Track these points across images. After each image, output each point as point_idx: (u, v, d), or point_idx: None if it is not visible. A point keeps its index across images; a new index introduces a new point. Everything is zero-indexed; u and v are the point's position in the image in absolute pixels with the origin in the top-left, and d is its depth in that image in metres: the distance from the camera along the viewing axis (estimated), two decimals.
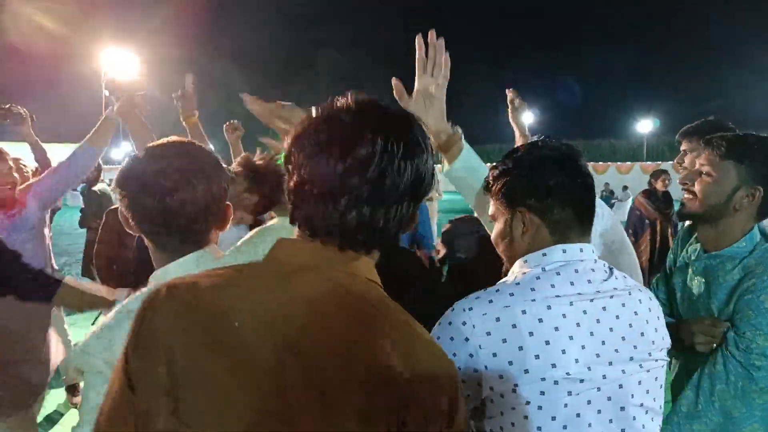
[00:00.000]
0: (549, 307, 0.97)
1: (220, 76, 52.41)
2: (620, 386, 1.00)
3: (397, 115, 0.77)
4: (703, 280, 1.47)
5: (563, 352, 0.95)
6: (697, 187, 1.44)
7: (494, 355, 0.94)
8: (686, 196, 1.48)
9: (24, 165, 4.24)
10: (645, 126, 36.70)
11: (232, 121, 2.61)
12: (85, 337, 1.00)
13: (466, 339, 0.95)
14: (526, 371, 0.94)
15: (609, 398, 0.99)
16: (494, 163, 1.13)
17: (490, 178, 1.13)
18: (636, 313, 1.04)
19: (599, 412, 0.98)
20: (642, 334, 1.04)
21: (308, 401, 0.64)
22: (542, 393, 0.94)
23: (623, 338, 1.01)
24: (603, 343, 0.98)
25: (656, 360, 1.05)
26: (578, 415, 0.96)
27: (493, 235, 1.15)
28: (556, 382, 0.94)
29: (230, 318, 0.68)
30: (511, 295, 0.98)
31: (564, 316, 0.97)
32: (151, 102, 1.96)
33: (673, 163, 2.26)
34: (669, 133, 37.50)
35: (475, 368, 0.95)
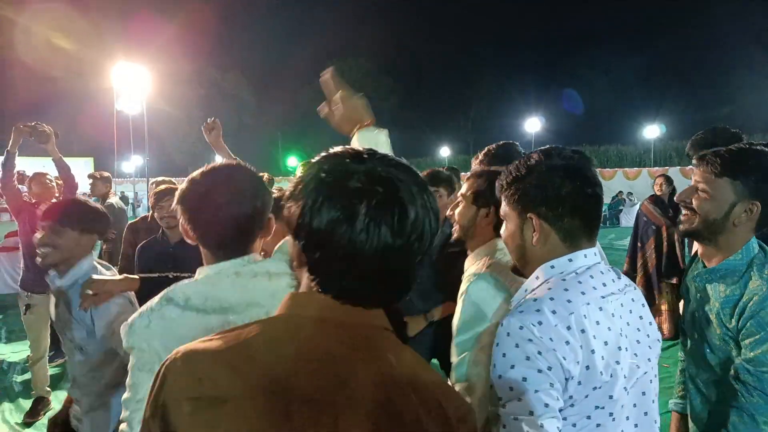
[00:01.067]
0: (601, 309, 1.04)
1: (230, 88, 52.92)
2: (650, 380, 1.13)
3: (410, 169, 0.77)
4: (704, 295, 1.48)
5: (619, 348, 1.04)
6: (695, 204, 1.44)
7: (577, 363, 0.99)
8: (685, 213, 1.49)
9: (50, 179, 4.34)
10: (652, 131, 36.55)
11: (208, 121, 2.59)
12: (134, 314, 1.12)
13: (539, 353, 0.97)
14: (601, 373, 1.01)
15: (643, 393, 1.11)
16: (508, 167, 1.18)
17: (504, 181, 1.18)
18: (643, 305, 1.17)
19: (635, 405, 1.09)
20: (650, 323, 1.16)
21: None
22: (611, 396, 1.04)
23: (638, 329, 1.12)
24: (629, 336, 1.08)
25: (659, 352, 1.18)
26: (611, 412, 1.05)
27: (504, 235, 1.21)
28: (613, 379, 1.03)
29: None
30: (569, 301, 1.02)
31: (613, 315, 1.06)
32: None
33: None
34: (676, 139, 37.26)
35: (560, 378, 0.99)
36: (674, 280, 5.17)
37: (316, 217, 0.71)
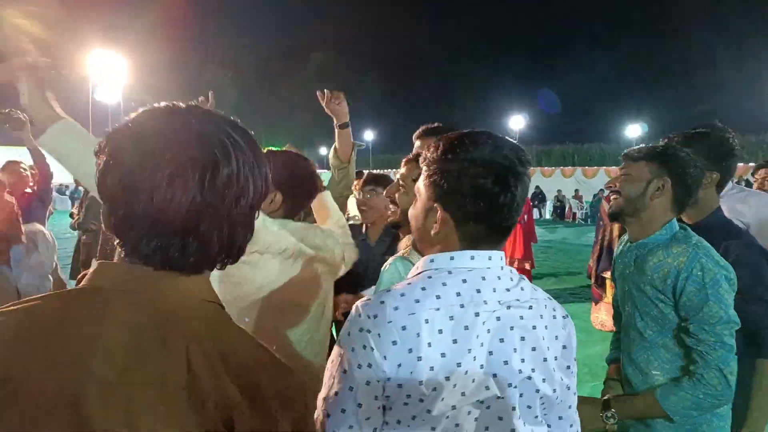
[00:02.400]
0: (452, 318, 0.93)
1: (212, 79, 52.22)
2: (512, 407, 0.97)
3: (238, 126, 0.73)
4: (634, 267, 1.67)
5: (459, 365, 0.93)
6: (619, 187, 1.67)
7: (398, 365, 0.91)
8: (613, 196, 1.70)
9: (24, 168, 4.22)
10: (634, 130, 37.18)
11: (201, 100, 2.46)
12: None
13: (371, 348, 0.91)
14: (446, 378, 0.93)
15: (500, 417, 0.97)
16: (438, 140, 1.04)
17: (428, 155, 1.04)
18: (546, 327, 1.01)
19: (486, 429, 0.97)
20: (548, 348, 1.01)
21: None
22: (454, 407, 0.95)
23: (515, 350, 0.98)
24: (494, 354, 0.96)
25: (544, 380, 1.01)
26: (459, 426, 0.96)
27: (410, 212, 1.11)
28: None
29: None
30: (417, 301, 0.93)
31: (467, 328, 0.94)
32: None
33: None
34: (657, 138, 37.65)
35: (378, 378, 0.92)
36: (607, 274, 5.15)
37: (113, 173, 0.66)
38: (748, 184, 8.94)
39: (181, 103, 0.73)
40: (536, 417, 1.02)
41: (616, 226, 5.13)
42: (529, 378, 0.98)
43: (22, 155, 4.30)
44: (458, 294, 0.95)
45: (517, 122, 41.34)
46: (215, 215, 0.68)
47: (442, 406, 0.93)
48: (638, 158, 1.64)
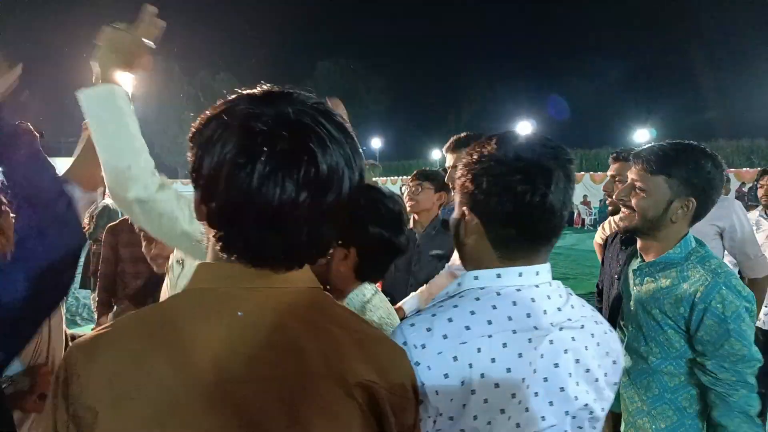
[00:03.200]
0: (505, 345, 0.86)
1: (222, 88, 52.58)
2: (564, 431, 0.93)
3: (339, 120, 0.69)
4: (643, 289, 1.52)
5: (513, 396, 0.86)
6: (633, 203, 1.48)
7: (451, 400, 0.85)
8: (624, 211, 1.52)
9: None
10: (642, 135, 36.99)
11: None
12: None
13: (421, 384, 0.83)
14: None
15: None
16: (476, 147, 0.97)
17: (464, 161, 0.98)
18: (586, 347, 0.95)
19: None
20: (599, 366, 0.96)
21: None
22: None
23: (569, 374, 0.92)
24: (550, 380, 0.90)
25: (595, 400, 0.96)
26: None
27: (451, 220, 1.04)
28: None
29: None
30: (467, 329, 0.85)
31: (520, 355, 0.86)
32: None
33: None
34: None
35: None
36: None
37: (206, 161, 0.64)
38: (753, 189, 8.86)
39: (276, 88, 0.70)
40: None
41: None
42: (586, 405, 0.94)
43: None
44: (509, 318, 0.87)
45: (524, 128, 41.29)
46: (310, 210, 0.65)
47: None
48: (656, 172, 1.42)
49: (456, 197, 0.99)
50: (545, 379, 0.89)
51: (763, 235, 3.40)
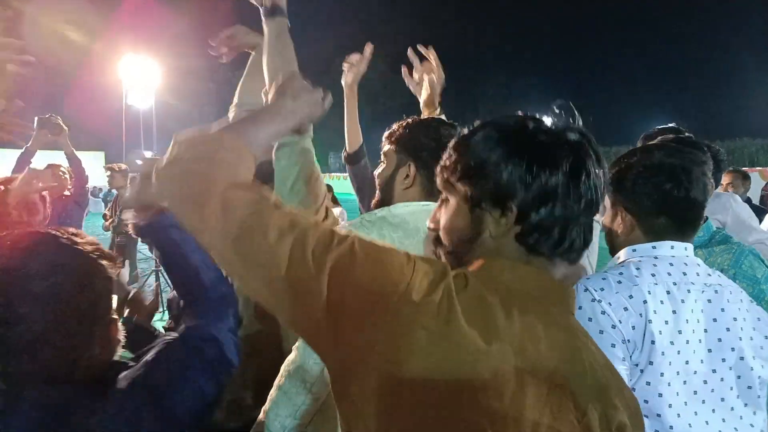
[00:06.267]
0: (668, 292, 1.04)
1: (234, 81, 52.80)
2: (703, 380, 1.05)
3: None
4: None
5: (680, 332, 1.03)
6: None
7: (632, 327, 1.01)
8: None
9: (63, 171, 4.32)
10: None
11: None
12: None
13: (606, 314, 1.02)
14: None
15: (712, 390, 1.05)
16: (623, 159, 1.19)
17: (612, 169, 1.18)
18: (723, 309, 1.09)
19: (703, 402, 1.05)
20: (728, 329, 1.08)
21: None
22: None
23: (727, 329, 1.07)
24: (706, 331, 1.06)
25: (741, 358, 1.07)
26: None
27: (602, 222, 1.26)
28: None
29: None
30: (636, 276, 1.05)
31: (683, 301, 1.04)
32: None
33: None
34: None
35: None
36: None
37: (543, 177, 0.67)
38: None
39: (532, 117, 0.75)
40: (759, 397, 1.08)
41: None
42: (742, 358, 1.06)
43: (56, 159, 4.34)
44: (669, 274, 1.06)
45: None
46: (571, 214, 0.70)
47: (670, 373, 1.01)
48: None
49: (608, 198, 1.19)
50: (705, 330, 1.05)
51: None
